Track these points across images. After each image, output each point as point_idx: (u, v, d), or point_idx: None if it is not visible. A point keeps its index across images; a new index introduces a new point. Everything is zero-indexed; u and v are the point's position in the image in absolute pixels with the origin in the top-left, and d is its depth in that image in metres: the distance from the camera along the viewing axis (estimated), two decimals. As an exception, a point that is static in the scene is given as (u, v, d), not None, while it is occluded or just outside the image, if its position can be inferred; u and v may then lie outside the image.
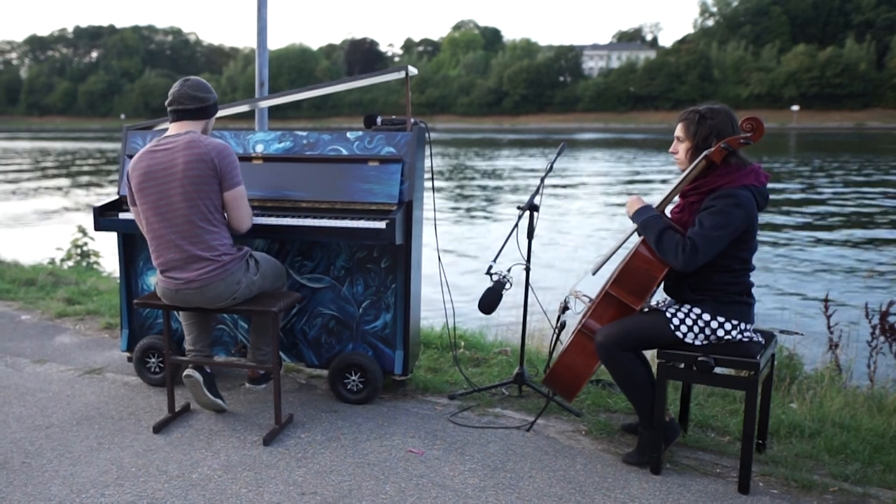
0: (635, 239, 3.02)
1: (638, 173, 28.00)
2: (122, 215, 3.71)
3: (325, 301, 3.70)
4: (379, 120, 3.72)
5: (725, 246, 2.76)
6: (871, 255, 12.00)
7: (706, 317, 2.83)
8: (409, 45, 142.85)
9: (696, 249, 2.70)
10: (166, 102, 3.25)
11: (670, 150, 2.99)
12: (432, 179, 3.76)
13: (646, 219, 2.86)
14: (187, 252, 3.14)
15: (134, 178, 3.19)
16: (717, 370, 2.86)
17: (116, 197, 3.85)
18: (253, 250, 3.44)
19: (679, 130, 2.93)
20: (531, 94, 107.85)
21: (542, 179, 3.62)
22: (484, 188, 23.19)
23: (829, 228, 14.86)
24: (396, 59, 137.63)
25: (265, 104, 4.30)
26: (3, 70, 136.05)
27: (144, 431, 3.31)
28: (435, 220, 3.88)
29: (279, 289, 3.52)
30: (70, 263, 8.07)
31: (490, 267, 3.46)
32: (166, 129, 3.32)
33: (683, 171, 2.92)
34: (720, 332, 2.83)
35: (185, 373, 3.36)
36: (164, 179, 3.12)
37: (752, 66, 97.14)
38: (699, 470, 2.99)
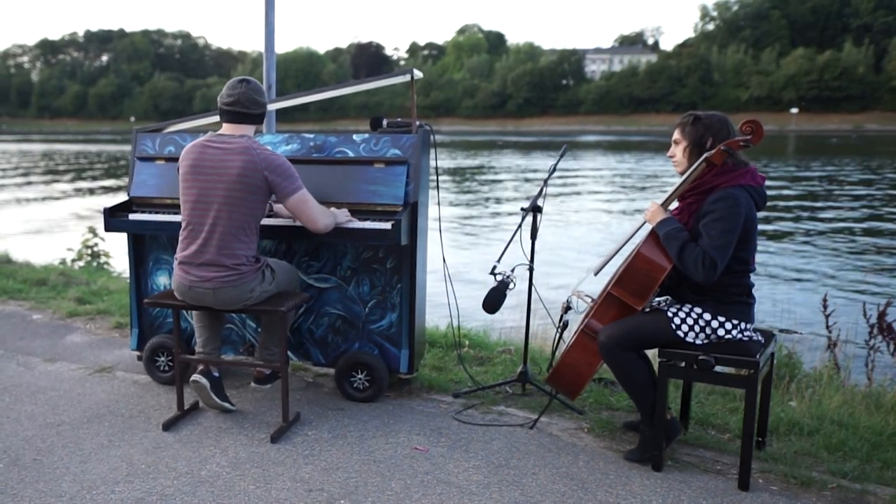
0: (637, 240, 3.07)
1: (639, 173, 28.00)
2: (132, 216, 3.76)
3: (331, 301, 3.75)
4: (384, 122, 3.75)
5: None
6: (870, 255, 12.01)
7: (707, 316, 2.87)
8: (414, 49, 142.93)
9: (715, 264, 2.74)
10: (224, 102, 3.20)
11: (668, 154, 3.05)
12: (437, 181, 3.80)
13: (668, 231, 2.88)
14: (210, 254, 3.18)
15: (182, 168, 3.22)
16: (718, 369, 2.89)
17: (127, 198, 3.90)
18: (266, 256, 3.47)
19: (676, 133, 2.99)
20: (534, 96, 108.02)
21: (546, 181, 3.67)
22: (487, 189, 23.20)
23: (828, 228, 14.87)
24: (402, 62, 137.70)
25: (273, 107, 4.34)
26: (14, 73, 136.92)
27: (154, 429, 3.35)
28: (440, 220, 3.91)
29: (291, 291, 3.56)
30: (81, 264, 8.13)
31: (494, 267, 3.50)
32: (178, 131, 3.36)
33: (681, 172, 2.97)
34: (720, 332, 2.86)
35: (191, 378, 3.39)
36: (211, 177, 3.15)
37: (751, 69, 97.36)
38: (700, 467, 3.02)
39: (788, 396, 3.85)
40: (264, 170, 3.13)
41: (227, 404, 3.48)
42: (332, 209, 3.42)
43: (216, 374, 3.47)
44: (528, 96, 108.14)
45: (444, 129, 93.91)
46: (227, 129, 3.25)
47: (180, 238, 3.28)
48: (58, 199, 20.94)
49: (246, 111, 3.20)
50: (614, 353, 2.96)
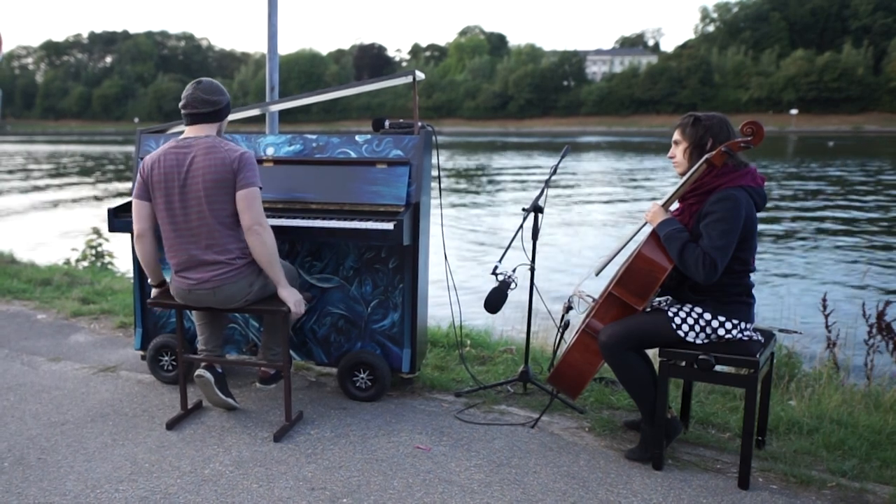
0: (638, 240, 3.08)
1: (639, 174, 28.00)
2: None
3: (334, 300, 3.77)
4: (387, 123, 3.77)
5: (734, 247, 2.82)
6: (870, 255, 12.03)
7: (707, 316, 2.89)
8: (416, 51, 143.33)
9: (715, 264, 2.76)
10: (180, 105, 3.26)
11: (668, 155, 3.06)
12: (439, 181, 3.82)
13: (669, 231, 2.89)
14: (202, 254, 3.18)
15: (153, 176, 3.20)
16: (718, 368, 2.90)
17: (130, 199, 3.92)
18: None
19: (676, 134, 3.01)
20: (536, 98, 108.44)
21: (547, 181, 3.69)
22: (490, 190, 23.22)
23: (828, 228, 14.89)
24: (404, 63, 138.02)
25: (276, 108, 4.37)
26: (19, 75, 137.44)
27: (157, 428, 3.37)
28: (442, 220, 3.94)
29: None
30: (85, 264, 8.17)
31: (496, 267, 3.52)
32: (180, 132, 3.37)
33: (681, 173, 2.99)
34: (721, 332, 2.88)
35: (196, 373, 3.41)
36: (183, 181, 3.15)
37: (751, 70, 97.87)
38: (700, 466, 3.04)
39: (788, 395, 3.87)
40: (234, 162, 3.13)
41: (230, 400, 3.50)
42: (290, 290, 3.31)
43: (220, 370, 3.49)
44: (530, 97, 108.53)
45: (446, 130, 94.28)
46: (189, 131, 3.26)
47: (166, 246, 3.27)
48: (62, 199, 20.97)
49: (197, 111, 3.22)
50: (615, 352, 2.97)
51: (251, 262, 3.27)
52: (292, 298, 3.27)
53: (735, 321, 2.88)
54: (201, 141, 3.19)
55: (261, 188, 3.21)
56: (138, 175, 3.29)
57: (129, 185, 22.94)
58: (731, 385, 3.51)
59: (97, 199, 21.29)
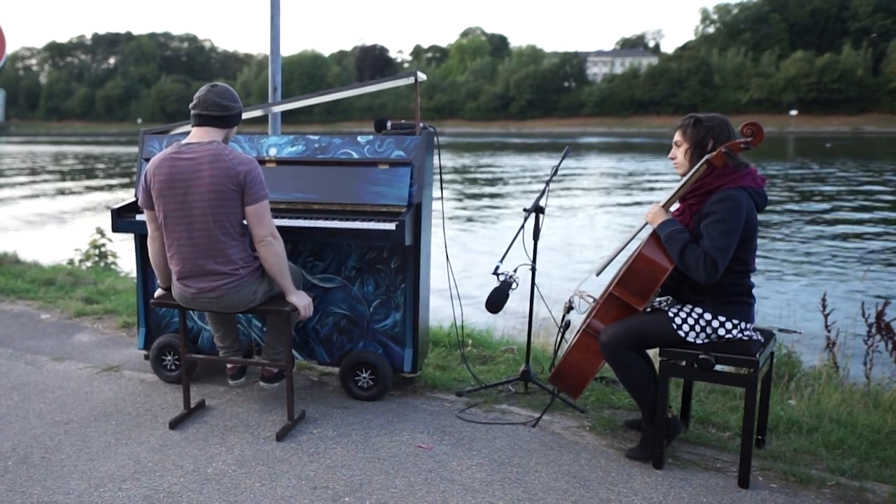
0: (638, 241, 3.10)
1: (640, 174, 28.00)
2: (139, 217, 3.77)
3: (336, 300, 3.78)
4: (389, 124, 3.79)
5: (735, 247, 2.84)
6: (869, 256, 12.04)
7: (707, 316, 2.90)
8: (418, 52, 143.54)
9: (716, 264, 2.77)
10: (190, 105, 3.20)
11: (669, 156, 3.08)
12: (440, 182, 3.84)
13: (670, 232, 2.90)
14: (205, 264, 3.15)
15: (155, 184, 3.14)
16: (718, 368, 2.91)
17: (134, 199, 3.93)
18: None
19: (677, 136, 3.02)
20: (537, 99, 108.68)
21: (548, 182, 3.70)
22: (491, 190, 23.21)
23: (828, 227, 14.89)
24: (406, 65, 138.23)
25: (278, 109, 4.38)
26: (23, 76, 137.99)
27: (161, 427, 3.38)
28: (443, 220, 3.95)
29: None
30: (88, 264, 8.17)
31: (497, 267, 3.54)
32: (184, 133, 3.36)
33: (682, 174, 3.01)
34: (721, 331, 2.89)
35: (230, 384, 3.65)
36: (186, 190, 3.09)
37: (751, 71, 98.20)
38: (700, 465, 3.05)
39: (788, 395, 3.87)
40: (240, 173, 3.08)
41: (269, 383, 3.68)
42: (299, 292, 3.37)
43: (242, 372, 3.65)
44: (531, 98, 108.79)
45: (448, 130, 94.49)
46: (195, 134, 3.19)
47: (169, 255, 3.23)
48: (65, 200, 20.99)
49: (208, 113, 3.15)
50: (616, 352, 2.99)
51: (254, 269, 3.25)
52: (302, 303, 3.30)
53: (735, 321, 2.90)
54: (205, 148, 3.11)
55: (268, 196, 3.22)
56: (142, 181, 3.25)
57: (131, 184, 22.98)
58: (731, 384, 3.51)
59: (105, 188, 21.30)
